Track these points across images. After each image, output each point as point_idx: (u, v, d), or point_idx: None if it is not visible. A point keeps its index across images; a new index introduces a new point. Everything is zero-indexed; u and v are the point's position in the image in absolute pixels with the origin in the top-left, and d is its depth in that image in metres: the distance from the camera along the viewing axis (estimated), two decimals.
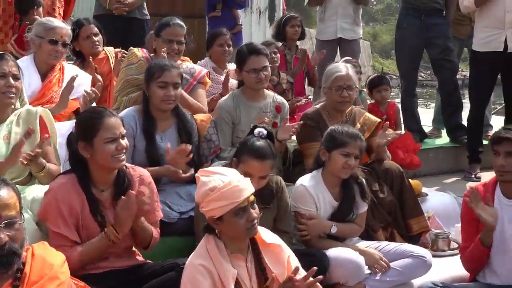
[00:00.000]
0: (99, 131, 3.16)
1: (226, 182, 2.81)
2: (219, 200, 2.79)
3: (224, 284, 2.81)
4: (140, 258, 3.42)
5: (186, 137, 4.15)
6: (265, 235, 2.99)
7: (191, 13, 9.26)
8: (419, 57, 6.80)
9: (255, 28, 9.95)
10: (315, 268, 2.78)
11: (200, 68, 4.89)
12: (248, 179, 2.94)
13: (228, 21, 7.30)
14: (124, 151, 3.21)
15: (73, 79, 4.32)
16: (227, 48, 5.57)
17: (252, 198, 2.86)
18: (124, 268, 3.28)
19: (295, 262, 2.97)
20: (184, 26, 4.78)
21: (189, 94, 4.63)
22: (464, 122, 6.47)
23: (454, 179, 6.21)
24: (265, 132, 3.68)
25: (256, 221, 2.86)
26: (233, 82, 5.37)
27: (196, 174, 2.95)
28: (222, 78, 5.34)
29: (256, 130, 3.69)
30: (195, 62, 5.18)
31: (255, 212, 2.86)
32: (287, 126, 4.30)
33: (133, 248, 3.41)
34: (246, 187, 2.85)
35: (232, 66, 5.74)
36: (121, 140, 3.20)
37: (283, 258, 2.97)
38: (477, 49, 6.00)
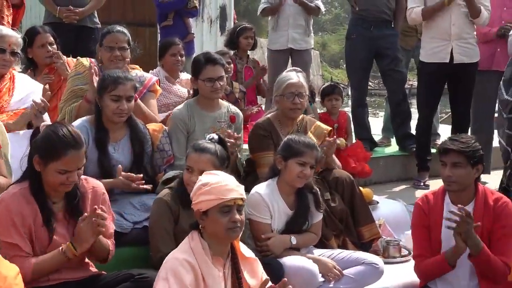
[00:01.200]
0: (57, 161, 3.07)
1: (218, 180, 3.00)
2: (208, 194, 2.96)
3: (206, 283, 2.89)
4: (93, 269, 3.37)
5: (139, 147, 4.14)
6: (244, 249, 3.12)
7: (142, 21, 9.26)
8: (369, 68, 6.89)
9: (206, 37, 9.93)
10: (267, 278, 2.92)
11: (150, 76, 4.87)
12: (242, 186, 3.07)
13: (180, 30, 7.28)
14: (74, 182, 3.15)
15: (41, 107, 4.21)
16: (179, 57, 5.57)
17: (240, 202, 3.01)
18: (77, 280, 3.23)
19: (265, 277, 3.08)
20: (126, 32, 4.74)
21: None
22: (413, 131, 6.59)
23: (404, 186, 6.31)
24: (216, 137, 3.79)
25: (238, 224, 2.98)
26: (185, 92, 5.37)
27: (200, 177, 3.08)
28: (175, 87, 5.34)
29: (208, 136, 3.80)
30: (147, 71, 5.15)
31: (240, 216, 2.99)
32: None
33: (86, 259, 3.36)
34: (236, 189, 3.01)
35: (184, 76, 5.75)
36: (75, 172, 3.12)
37: (259, 272, 3.10)
38: (424, 60, 6.14)
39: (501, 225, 3.69)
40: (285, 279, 2.96)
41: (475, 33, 6.07)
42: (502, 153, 5.01)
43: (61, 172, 3.08)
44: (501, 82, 4.84)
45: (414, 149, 6.44)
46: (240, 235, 3.72)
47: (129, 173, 3.97)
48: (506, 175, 4.86)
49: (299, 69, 4.84)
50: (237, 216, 2.98)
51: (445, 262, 3.66)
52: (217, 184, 2.97)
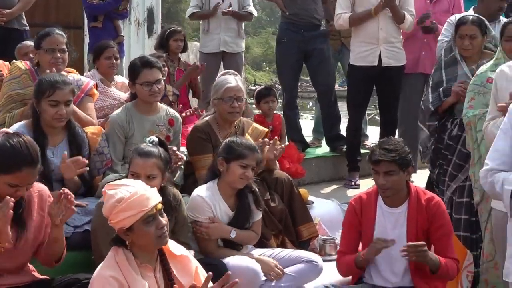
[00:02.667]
0: (8, 175, 2.96)
1: (132, 192, 2.85)
2: (127, 210, 2.82)
3: None
4: (36, 274, 3.33)
5: (77, 150, 4.11)
6: (173, 246, 3.05)
7: (66, 23, 9.10)
8: (299, 71, 7.00)
9: (133, 39, 9.88)
10: (210, 273, 2.89)
11: (87, 80, 4.82)
12: (154, 188, 2.99)
13: (109, 32, 7.22)
14: (21, 195, 3.07)
15: None
16: (114, 60, 5.53)
17: (159, 206, 2.92)
18: (22, 285, 3.19)
19: (202, 272, 3.04)
20: (64, 35, 4.73)
21: (77, 106, 4.55)
22: (343, 132, 6.75)
23: (335, 186, 6.46)
24: (156, 139, 3.80)
25: (166, 228, 2.92)
26: (120, 95, 5.35)
27: (103, 189, 2.95)
28: (110, 90, 5.31)
29: (148, 138, 3.80)
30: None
31: (164, 219, 2.92)
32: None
33: (28, 264, 3.32)
34: (152, 196, 2.90)
35: (119, 79, 5.72)
36: (24, 187, 3.04)
37: (191, 269, 3.04)
38: (354, 63, 6.31)
39: (439, 225, 3.80)
40: (229, 272, 2.93)
41: (401, 37, 6.31)
42: (421, 151, 5.17)
43: (11, 185, 2.98)
44: (429, 88, 5.00)
45: (345, 149, 6.60)
46: (185, 239, 3.79)
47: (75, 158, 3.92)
48: (435, 174, 5.05)
49: (235, 72, 4.90)
50: (163, 221, 2.92)
51: (354, 264, 3.79)
52: (132, 197, 2.85)
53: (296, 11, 6.67)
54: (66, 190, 3.09)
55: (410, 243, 3.61)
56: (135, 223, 2.84)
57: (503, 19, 5.37)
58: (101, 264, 2.93)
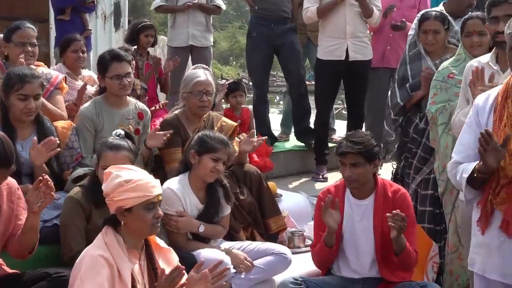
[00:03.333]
0: None
1: (141, 176, 2.99)
2: (134, 191, 2.94)
3: (122, 276, 2.90)
4: (6, 268, 3.32)
5: None
6: (158, 239, 3.15)
7: (32, 16, 8.98)
8: (270, 65, 7.04)
9: (100, 33, 9.79)
10: (182, 266, 2.97)
11: (56, 73, 4.80)
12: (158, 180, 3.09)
13: (76, 25, 7.18)
14: None
15: None
16: (81, 54, 5.51)
17: (160, 197, 3.05)
18: None
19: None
20: (35, 28, 4.71)
21: (47, 100, 4.53)
22: (311, 126, 6.81)
23: (304, 179, 6.52)
24: (122, 132, 3.84)
25: (160, 219, 3.03)
26: (88, 89, 5.32)
27: (106, 170, 3.05)
28: (77, 83, 5.28)
29: (114, 131, 3.83)
30: None
31: (161, 211, 3.05)
32: (158, 133, 4.35)
33: None
34: (157, 185, 3.05)
35: (86, 72, 5.70)
36: None
37: (174, 260, 3.14)
38: (321, 57, 6.37)
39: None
40: (203, 259, 3.01)
41: (368, 31, 6.38)
42: (383, 144, 5.24)
43: None
44: (395, 83, 5.08)
45: (313, 143, 6.66)
46: None
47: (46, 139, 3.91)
48: (400, 167, 5.14)
49: (205, 66, 4.92)
50: (161, 212, 3.05)
51: (323, 243, 3.84)
52: (141, 181, 2.97)
53: (266, 5, 6.69)
54: (46, 176, 3.11)
55: (397, 211, 3.66)
56: (137, 205, 2.94)
57: None
58: (90, 245, 3.00)
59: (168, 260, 3.13)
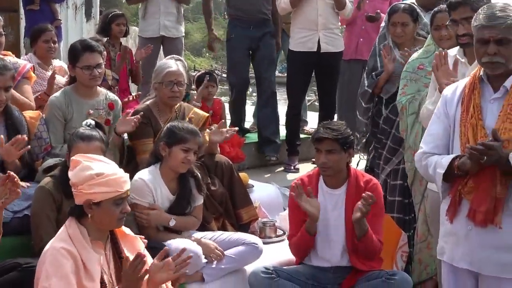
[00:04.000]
0: None
1: (114, 171, 2.96)
2: (105, 186, 2.91)
3: (87, 268, 2.88)
4: None
5: (16, 134, 4.03)
6: (124, 227, 3.13)
7: (2, 6, 8.89)
8: (248, 62, 6.83)
9: (71, 23, 9.72)
10: (143, 254, 2.94)
11: (24, 63, 4.76)
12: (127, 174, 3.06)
13: (46, 15, 7.13)
14: None
15: None
16: (52, 44, 5.46)
17: (129, 193, 3.03)
18: None
19: (148, 254, 3.10)
20: (1, 18, 4.67)
21: (14, 89, 4.45)
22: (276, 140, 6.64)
23: (275, 170, 6.54)
24: (92, 122, 3.81)
25: (126, 214, 3.01)
26: (59, 79, 5.29)
27: (74, 158, 3.01)
28: (48, 74, 5.24)
29: (84, 122, 3.80)
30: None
31: (128, 206, 3.02)
32: (128, 119, 4.33)
33: None
34: (128, 181, 3.02)
35: (57, 63, 5.65)
36: None
37: (140, 249, 3.11)
38: (293, 49, 6.38)
39: (372, 206, 3.90)
40: (167, 247, 3.01)
41: (339, 23, 6.42)
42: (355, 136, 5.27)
43: None
44: (364, 73, 5.16)
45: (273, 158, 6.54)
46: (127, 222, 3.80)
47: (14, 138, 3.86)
48: (369, 159, 5.20)
49: (178, 57, 4.90)
50: (128, 208, 3.03)
51: (305, 231, 3.89)
52: (114, 176, 2.94)
53: (243, 6, 6.56)
54: (12, 173, 3.07)
55: (371, 194, 3.71)
56: (106, 200, 2.92)
57: None
58: (53, 238, 2.97)
59: (134, 248, 3.11)
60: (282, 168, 6.55)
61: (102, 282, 2.95)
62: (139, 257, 2.89)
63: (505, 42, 2.90)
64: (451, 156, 3.02)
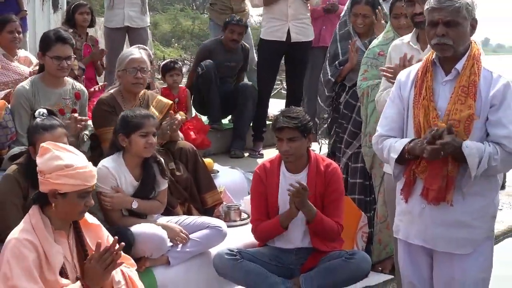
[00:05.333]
0: None
1: (84, 164, 2.97)
2: (73, 178, 2.92)
3: (48, 259, 2.89)
4: None
5: None
6: (86, 215, 3.14)
7: None
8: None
9: (38, 14, 9.68)
10: (123, 244, 2.99)
11: None
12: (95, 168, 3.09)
13: (11, 6, 7.08)
14: None
15: None
16: (17, 34, 5.48)
17: (94, 187, 3.06)
18: None
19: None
20: None
21: None
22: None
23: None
24: (45, 110, 3.83)
25: (88, 207, 3.04)
26: (24, 69, 5.30)
27: (43, 145, 3.01)
28: (13, 65, 5.25)
29: (36, 112, 3.82)
30: None
31: (92, 200, 3.05)
32: (69, 122, 4.26)
33: None
34: (95, 175, 3.04)
35: (22, 53, 5.66)
36: None
37: (103, 237, 3.14)
38: (263, 37, 6.52)
39: (333, 189, 4.04)
40: (116, 237, 2.99)
41: (309, 14, 6.53)
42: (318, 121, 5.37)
43: None
44: (326, 61, 5.24)
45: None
46: (92, 209, 3.82)
47: None
48: (331, 143, 5.30)
49: (143, 46, 4.94)
50: (92, 202, 3.05)
51: (279, 224, 3.98)
52: (83, 170, 2.95)
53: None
54: None
55: (294, 183, 3.83)
56: (72, 192, 2.93)
57: None
58: (16, 228, 2.97)
59: (97, 236, 3.11)
60: (247, 154, 6.64)
61: (64, 271, 2.97)
62: (109, 250, 2.91)
63: (453, 24, 3.00)
64: (405, 141, 3.11)
